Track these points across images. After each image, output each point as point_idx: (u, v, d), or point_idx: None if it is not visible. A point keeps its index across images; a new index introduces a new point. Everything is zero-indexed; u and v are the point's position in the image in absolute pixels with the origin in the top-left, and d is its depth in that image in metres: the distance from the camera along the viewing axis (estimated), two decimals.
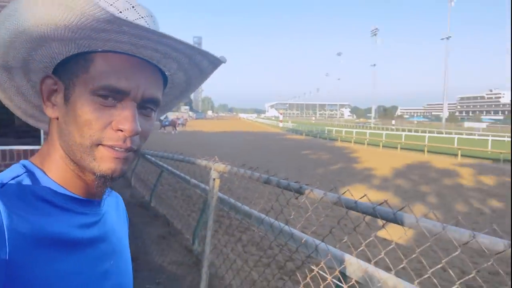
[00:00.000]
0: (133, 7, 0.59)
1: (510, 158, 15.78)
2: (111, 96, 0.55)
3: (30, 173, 0.59)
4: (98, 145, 0.56)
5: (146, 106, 0.60)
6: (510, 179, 12.01)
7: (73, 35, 0.53)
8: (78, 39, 0.54)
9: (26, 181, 0.57)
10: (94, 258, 0.61)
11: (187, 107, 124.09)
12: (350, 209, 1.60)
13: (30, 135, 4.32)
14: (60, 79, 0.60)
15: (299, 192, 1.79)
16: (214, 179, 2.33)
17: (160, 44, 0.56)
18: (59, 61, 0.60)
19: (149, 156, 8.11)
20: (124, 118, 0.55)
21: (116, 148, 0.56)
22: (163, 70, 0.64)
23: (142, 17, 0.59)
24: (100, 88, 0.55)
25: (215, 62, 0.65)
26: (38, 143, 4.21)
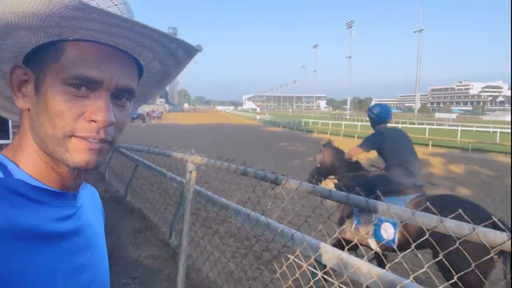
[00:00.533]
0: None
1: (482, 149, 16.52)
2: (84, 85, 0.54)
3: (2, 166, 0.57)
4: (71, 136, 0.55)
5: (120, 96, 0.58)
6: (482, 169, 12.51)
7: (41, 23, 0.51)
8: (47, 27, 0.52)
9: None
10: (69, 252, 0.60)
11: (162, 100, 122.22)
12: (325, 198, 1.63)
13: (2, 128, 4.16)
14: (30, 69, 0.58)
15: (275, 182, 1.81)
16: (190, 172, 2.32)
17: (133, 32, 0.55)
18: (28, 51, 0.58)
19: (123, 150, 7.96)
20: (97, 109, 0.54)
21: (90, 139, 0.55)
22: (138, 59, 0.62)
23: (115, 5, 0.58)
24: (71, 78, 0.53)
25: (190, 51, 0.64)
26: (6, 137, 4.05)
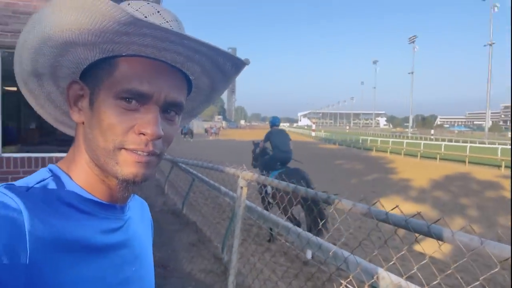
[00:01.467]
0: (158, 12, 0.60)
1: None
2: (134, 99, 0.56)
3: (55, 177, 0.59)
4: (120, 149, 0.56)
5: (169, 110, 0.60)
6: None
7: (96, 39, 0.54)
8: (101, 43, 0.55)
9: (51, 185, 0.57)
10: (116, 264, 0.61)
11: (220, 117, 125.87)
12: (381, 221, 1.52)
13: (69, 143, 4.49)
14: (86, 84, 0.60)
15: (327, 202, 1.74)
16: (241, 187, 2.31)
17: (182, 47, 0.56)
18: (85, 67, 0.60)
19: (181, 164, 8.24)
20: (147, 122, 0.55)
21: (139, 152, 0.56)
22: (187, 74, 0.64)
23: (167, 22, 0.60)
24: (123, 92, 0.55)
25: (238, 64, 0.64)
26: None
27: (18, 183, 0.55)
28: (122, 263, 0.62)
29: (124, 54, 0.56)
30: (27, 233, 0.48)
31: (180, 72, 0.61)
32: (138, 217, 0.75)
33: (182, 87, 0.62)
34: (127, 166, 0.56)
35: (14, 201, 0.50)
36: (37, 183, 0.56)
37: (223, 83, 0.70)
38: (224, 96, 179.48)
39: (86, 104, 0.60)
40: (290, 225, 2.58)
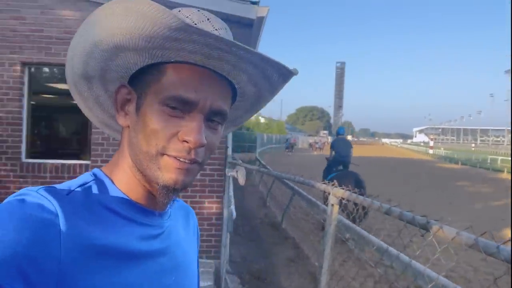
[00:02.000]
0: (208, 19, 0.60)
1: None
2: (179, 107, 0.56)
3: (98, 181, 0.60)
4: (163, 154, 0.56)
5: (213, 118, 0.59)
6: None
7: (146, 44, 0.54)
8: (151, 48, 0.55)
9: (93, 189, 0.58)
10: (154, 272, 0.60)
11: (326, 132, 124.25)
12: (490, 255, 1.25)
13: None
14: (134, 89, 0.61)
15: (425, 228, 1.50)
16: (332, 205, 2.18)
17: (231, 54, 0.56)
18: (134, 72, 0.61)
19: (282, 177, 8.30)
20: (191, 130, 0.55)
21: (181, 159, 0.56)
22: (233, 82, 0.63)
23: (216, 29, 0.60)
24: (169, 99, 0.55)
25: (286, 74, 0.63)
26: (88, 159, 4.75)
27: (60, 186, 0.56)
28: (160, 271, 0.61)
29: (172, 60, 0.56)
30: (61, 236, 0.49)
31: (226, 80, 0.61)
32: (182, 224, 0.74)
33: (227, 96, 0.61)
34: (168, 171, 0.56)
35: (52, 204, 0.51)
36: (79, 186, 0.57)
37: (269, 93, 0.69)
38: (331, 110, 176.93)
39: (132, 109, 0.60)
40: (394, 251, 2.32)
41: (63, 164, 4.59)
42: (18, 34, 4.46)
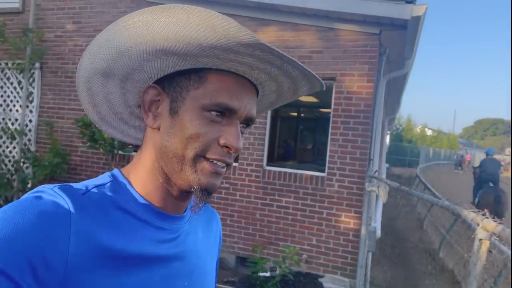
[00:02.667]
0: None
1: None
2: (221, 113, 0.57)
3: (115, 182, 0.60)
4: (200, 157, 0.57)
5: (244, 124, 0.61)
6: None
7: (200, 52, 0.55)
8: (203, 56, 0.56)
9: (109, 190, 0.58)
10: (165, 277, 0.59)
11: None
12: None
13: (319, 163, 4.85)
14: (164, 90, 0.61)
15: None
16: (480, 240, 1.70)
17: (278, 69, 0.59)
18: (165, 74, 0.61)
19: (424, 199, 7.19)
20: (231, 135, 0.57)
21: (218, 163, 0.58)
22: (258, 87, 0.65)
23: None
24: (213, 105, 0.56)
25: (314, 88, 0.66)
26: (322, 170, 4.62)
27: (77, 185, 0.56)
28: (173, 276, 0.60)
29: (214, 68, 0.58)
30: (71, 236, 0.49)
31: (255, 87, 0.63)
32: (202, 230, 0.73)
33: (255, 102, 0.63)
34: (205, 175, 0.57)
35: (66, 202, 0.51)
36: (95, 187, 0.57)
37: (288, 99, 0.72)
38: None
39: (165, 111, 0.60)
40: None
41: (300, 174, 4.72)
42: None
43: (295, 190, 4.69)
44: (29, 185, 5.58)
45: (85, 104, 0.70)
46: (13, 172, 5.72)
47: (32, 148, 5.84)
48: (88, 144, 4.68)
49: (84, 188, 0.56)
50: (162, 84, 0.61)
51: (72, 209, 0.51)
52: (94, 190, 0.57)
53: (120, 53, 0.59)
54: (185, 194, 0.62)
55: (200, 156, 0.57)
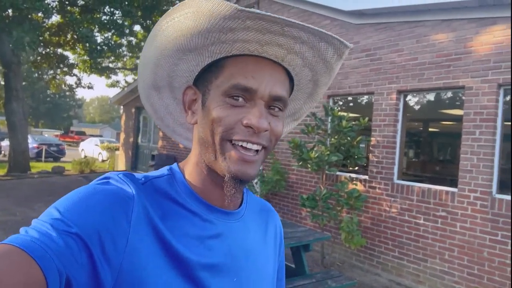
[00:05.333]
0: (253, 7, 0.66)
1: None
2: (241, 95, 0.58)
3: (171, 175, 0.64)
4: (227, 142, 0.59)
5: (273, 106, 0.61)
6: None
7: (205, 41, 0.59)
8: (209, 45, 0.59)
9: (166, 182, 0.63)
10: (212, 270, 0.60)
11: None
12: None
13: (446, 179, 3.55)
14: (198, 88, 0.66)
15: None
16: None
17: (283, 36, 0.57)
18: (196, 74, 0.66)
19: None
20: (252, 115, 0.58)
21: (248, 145, 0.58)
22: (288, 69, 0.64)
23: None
24: (230, 88, 0.58)
25: (340, 49, 0.62)
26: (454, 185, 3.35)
27: (138, 175, 0.62)
28: (219, 271, 0.61)
29: (230, 54, 0.60)
30: (132, 217, 0.54)
31: (282, 68, 0.63)
32: (258, 228, 0.73)
33: (284, 82, 0.63)
34: (234, 163, 0.58)
35: (131, 188, 0.57)
36: (154, 178, 0.62)
37: (326, 75, 0.68)
38: None
39: (198, 106, 0.64)
40: None
41: (429, 189, 4.54)
42: (396, 65, 4.90)
43: None
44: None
45: (156, 120, 0.77)
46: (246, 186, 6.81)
47: (260, 167, 6.82)
48: (300, 163, 5.07)
49: (143, 179, 0.61)
50: (196, 83, 0.66)
51: (136, 196, 0.56)
52: (153, 181, 0.61)
53: (156, 64, 0.65)
54: (227, 180, 0.61)
55: (226, 140, 0.58)
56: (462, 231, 4.19)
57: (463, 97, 4.29)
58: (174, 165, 0.67)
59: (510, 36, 3.88)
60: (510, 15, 3.86)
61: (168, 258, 0.56)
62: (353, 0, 5.42)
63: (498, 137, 4.03)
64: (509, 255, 3.82)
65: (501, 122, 4.03)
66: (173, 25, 0.59)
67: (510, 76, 3.86)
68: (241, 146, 0.58)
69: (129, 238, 0.53)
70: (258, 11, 0.53)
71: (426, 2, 4.50)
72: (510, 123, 4.04)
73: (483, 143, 4.05)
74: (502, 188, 4.06)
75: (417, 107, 5.63)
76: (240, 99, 0.58)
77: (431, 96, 5.18)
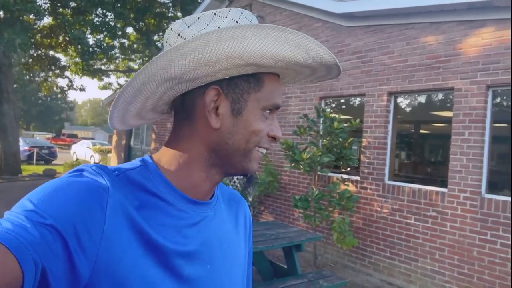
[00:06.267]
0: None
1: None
2: (271, 111, 0.67)
3: (145, 167, 0.64)
4: (254, 148, 0.66)
5: None
6: None
7: (274, 64, 0.62)
8: (274, 67, 0.64)
9: (139, 174, 0.62)
10: (187, 258, 0.62)
11: None
12: None
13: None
14: (222, 91, 0.63)
15: None
16: None
17: (310, 68, 0.69)
18: (225, 77, 0.63)
19: None
20: (276, 128, 0.68)
21: (265, 151, 0.68)
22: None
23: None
24: (271, 106, 0.65)
25: (332, 77, 0.74)
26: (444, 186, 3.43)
27: (111, 167, 0.62)
28: (194, 259, 0.63)
29: (269, 71, 0.65)
30: (107, 210, 0.55)
31: None
32: (228, 216, 0.76)
33: None
34: (255, 163, 0.67)
35: (105, 180, 0.57)
36: (127, 170, 0.62)
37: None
38: None
39: (226, 112, 0.63)
40: None
41: (419, 189, 4.58)
42: (387, 67, 4.96)
43: None
44: (250, 199, 6.51)
45: (125, 98, 0.64)
46: (239, 188, 6.82)
47: None
48: (292, 164, 5.09)
49: (117, 171, 0.61)
50: (220, 85, 0.63)
51: (110, 187, 0.56)
52: (126, 172, 0.61)
53: (206, 63, 0.59)
54: (218, 182, 0.68)
55: (255, 147, 0.66)
56: (452, 231, 4.24)
57: (453, 99, 4.35)
58: (146, 157, 0.67)
59: (500, 38, 3.95)
60: (498, 17, 3.93)
61: (144, 247, 0.57)
62: (344, 2, 5.47)
63: (487, 138, 4.09)
64: (498, 254, 3.88)
65: (490, 123, 4.09)
66: (263, 43, 0.58)
67: (498, 78, 3.93)
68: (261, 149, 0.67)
69: (105, 229, 0.53)
70: (326, 57, 0.65)
71: (415, 4, 4.56)
72: (499, 124, 4.10)
73: (472, 144, 4.11)
74: (491, 188, 4.11)
75: (407, 109, 5.69)
76: (270, 112, 0.67)
77: (421, 98, 5.25)
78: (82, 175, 0.58)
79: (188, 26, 0.63)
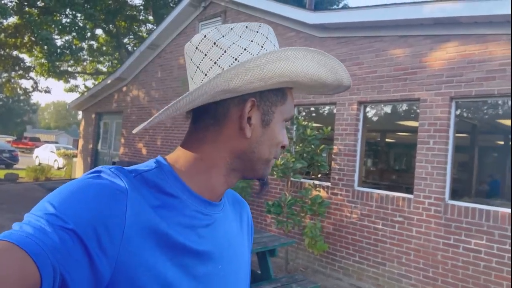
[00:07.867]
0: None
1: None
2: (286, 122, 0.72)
3: (160, 169, 0.65)
4: (274, 156, 0.70)
5: None
6: None
7: (309, 82, 0.68)
8: (304, 84, 0.69)
9: (155, 176, 0.63)
10: (200, 258, 0.63)
11: None
12: None
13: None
14: (256, 103, 0.66)
15: None
16: None
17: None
18: (262, 90, 0.66)
19: None
20: (285, 137, 0.71)
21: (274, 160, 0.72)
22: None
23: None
24: (290, 118, 0.71)
25: (337, 92, 0.79)
26: (410, 192, 3.68)
27: (128, 168, 0.63)
28: (208, 259, 0.64)
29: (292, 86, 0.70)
30: (127, 211, 0.56)
31: None
32: (234, 217, 0.78)
33: None
34: (270, 169, 0.72)
35: (123, 182, 0.58)
36: (144, 171, 0.63)
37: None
38: None
39: (257, 122, 0.66)
40: None
41: (387, 195, 4.75)
42: (357, 78, 5.13)
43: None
44: None
45: (171, 112, 0.65)
46: None
47: None
48: None
49: (135, 171, 0.62)
50: (255, 96, 0.65)
51: (129, 189, 0.57)
52: (143, 174, 0.62)
53: (262, 79, 0.62)
54: (233, 185, 0.71)
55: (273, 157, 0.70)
56: (418, 235, 4.42)
57: (418, 109, 4.57)
58: (160, 158, 0.68)
59: (463, 52, 4.20)
60: (463, 33, 4.18)
61: (162, 246, 0.58)
62: (316, 13, 5.63)
63: (450, 147, 4.31)
64: (461, 257, 4.08)
65: (453, 132, 4.33)
66: (310, 65, 0.65)
67: (461, 90, 4.17)
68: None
69: (125, 231, 0.54)
70: (346, 80, 0.72)
71: (384, 18, 4.77)
72: (461, 134, 4.34)
73: (436, 152, 4.32)
74: (453, 195, 4.34)
75: (376, 118, 5.89)
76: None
77: (388, 108, 5.46)
78: (100, 176, 0.59)
79: (223, 36, 0.65)
